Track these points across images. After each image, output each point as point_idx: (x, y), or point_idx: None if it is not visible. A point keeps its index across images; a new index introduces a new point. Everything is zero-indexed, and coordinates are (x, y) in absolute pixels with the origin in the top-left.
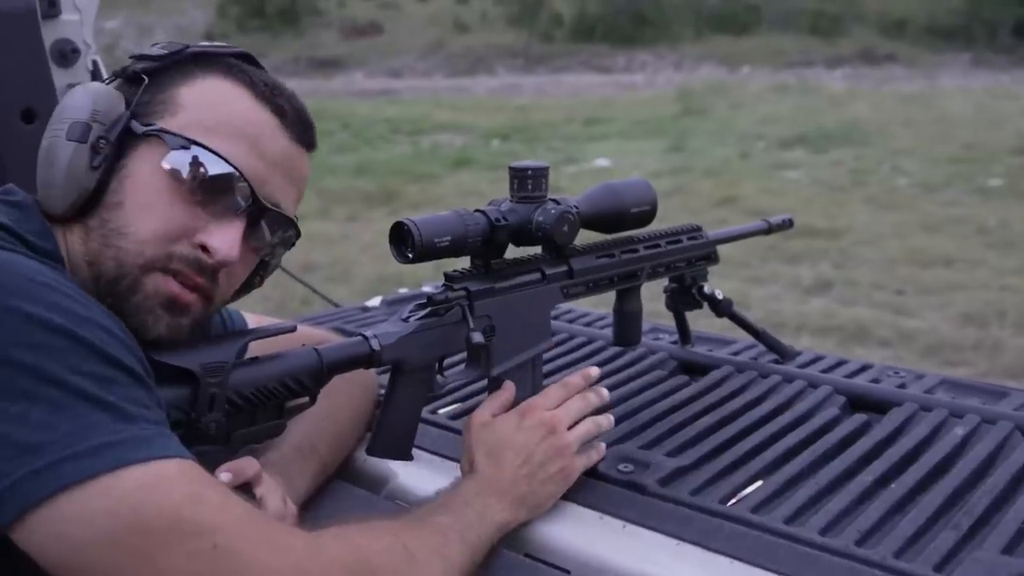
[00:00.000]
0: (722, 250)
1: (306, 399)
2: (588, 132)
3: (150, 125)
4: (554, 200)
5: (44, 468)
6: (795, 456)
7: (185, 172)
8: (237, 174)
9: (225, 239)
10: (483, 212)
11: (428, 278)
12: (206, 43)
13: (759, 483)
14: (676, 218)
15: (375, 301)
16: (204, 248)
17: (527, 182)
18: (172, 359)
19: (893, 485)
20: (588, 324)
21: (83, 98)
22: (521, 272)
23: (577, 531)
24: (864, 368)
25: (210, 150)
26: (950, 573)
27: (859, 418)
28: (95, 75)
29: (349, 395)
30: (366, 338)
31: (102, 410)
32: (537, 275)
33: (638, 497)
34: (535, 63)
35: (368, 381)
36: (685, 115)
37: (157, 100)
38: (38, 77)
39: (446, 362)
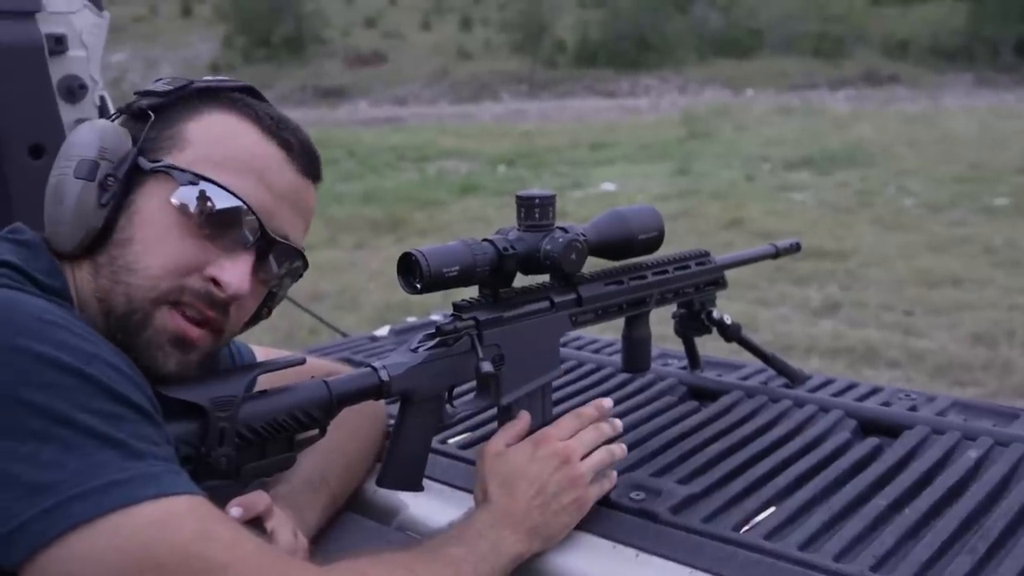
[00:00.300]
0: (729, 272)
1: (316, 432)
2: (594, 156)
3: (157, 161)
4: (562, 228)
5: (54, 507)
6: (808, 481)
7: (193, 207)
8: (245, 208)
9: (236, 273)
10: (491, 241)
11: (436, 305)
12: (210, 78)
13: (772, 509)
14: (684, 240)
15: (383, 330)
16: (215, 282)
17: (534, 211)
18: (181, 394)
19: (907, 510)
20: (597, 351)
21: (90, 135)
22: (530, 301)
23: (590, 561)
24: (875, 391)
25: (218, 184)
26: None
27: (871, 442)
28: (103, 111)
29: (358, 426)
30: (375, 369)
31: (111, 448)
32: (546, 303)
33: (650, 525)
34: (539, 89)
35: (377, 412)
36: (690, 138)
37: (164, 136)
38: (46, 113)
39: (455, 391)
